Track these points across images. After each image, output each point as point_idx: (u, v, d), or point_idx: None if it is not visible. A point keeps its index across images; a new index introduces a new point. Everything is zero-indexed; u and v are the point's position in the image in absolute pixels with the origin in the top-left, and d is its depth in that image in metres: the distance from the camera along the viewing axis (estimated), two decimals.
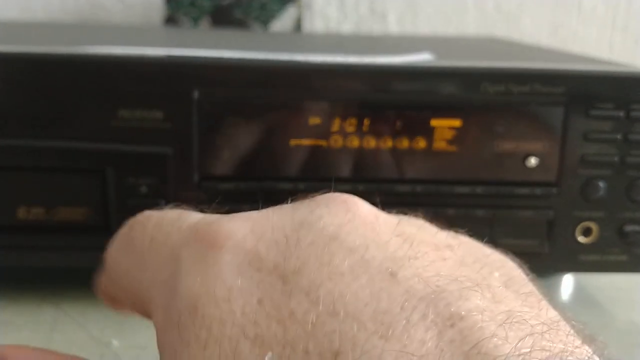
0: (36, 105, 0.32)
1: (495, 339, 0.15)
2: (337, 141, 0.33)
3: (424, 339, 0.15)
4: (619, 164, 0.34)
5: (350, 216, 0.19)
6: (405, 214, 0.21)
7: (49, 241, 0.34)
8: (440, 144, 0.33)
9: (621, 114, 0.33)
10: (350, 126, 0.33)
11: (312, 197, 0.20)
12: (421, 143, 0.33)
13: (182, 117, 0.32)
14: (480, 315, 0.15)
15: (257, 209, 0.20)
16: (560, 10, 0.69)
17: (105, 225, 0.33)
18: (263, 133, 0.33)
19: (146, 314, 0.21)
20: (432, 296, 0.16)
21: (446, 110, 0.33)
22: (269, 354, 0.16)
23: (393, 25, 0.68)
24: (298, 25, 0.62)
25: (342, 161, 0.33)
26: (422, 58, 0.36)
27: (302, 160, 0.33)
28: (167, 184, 0.33)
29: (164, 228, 0.20)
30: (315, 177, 0.33)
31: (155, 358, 0.20)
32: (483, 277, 0.17)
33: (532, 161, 0.34)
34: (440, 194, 0.34)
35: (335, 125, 0.33)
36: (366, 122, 0.33)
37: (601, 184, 0.34)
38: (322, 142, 0.33)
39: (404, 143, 0.33)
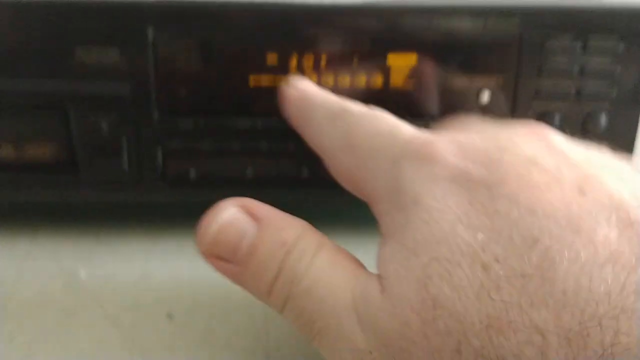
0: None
1: None
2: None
3: (607, 235, 0.19)
4: (574, 97, 0.34)
5: (544, 143, 0.23)
6: None
7: (19, 178, 0.35)
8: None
9: (578, 45, 0.33)
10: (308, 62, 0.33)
11: (506, 123, 0.25)
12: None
13: (138, 56, 0.33)
14: None
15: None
16: None
17: (71, 162, 0.34)
18: (221, 70, 0.33)
19: (362, 196, 0.26)
20: (615, 206, 0.20)
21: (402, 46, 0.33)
22: (479, 234, 0.20)
23: None
24: None
25: None
26: None
27: (261, 97, 0.34)
28: (127, 122, 0.34)
29: (380, 138, 0.25)
30: (275, 114, 0.34)
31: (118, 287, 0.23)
32: None
33: (485, 96, 0.34)
34: None
35: (294, 62, 0.33)
36: (324, 58, 0.33)
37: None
38: (281, 79, 0.34)
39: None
